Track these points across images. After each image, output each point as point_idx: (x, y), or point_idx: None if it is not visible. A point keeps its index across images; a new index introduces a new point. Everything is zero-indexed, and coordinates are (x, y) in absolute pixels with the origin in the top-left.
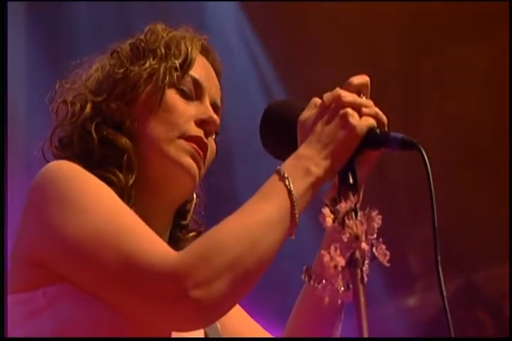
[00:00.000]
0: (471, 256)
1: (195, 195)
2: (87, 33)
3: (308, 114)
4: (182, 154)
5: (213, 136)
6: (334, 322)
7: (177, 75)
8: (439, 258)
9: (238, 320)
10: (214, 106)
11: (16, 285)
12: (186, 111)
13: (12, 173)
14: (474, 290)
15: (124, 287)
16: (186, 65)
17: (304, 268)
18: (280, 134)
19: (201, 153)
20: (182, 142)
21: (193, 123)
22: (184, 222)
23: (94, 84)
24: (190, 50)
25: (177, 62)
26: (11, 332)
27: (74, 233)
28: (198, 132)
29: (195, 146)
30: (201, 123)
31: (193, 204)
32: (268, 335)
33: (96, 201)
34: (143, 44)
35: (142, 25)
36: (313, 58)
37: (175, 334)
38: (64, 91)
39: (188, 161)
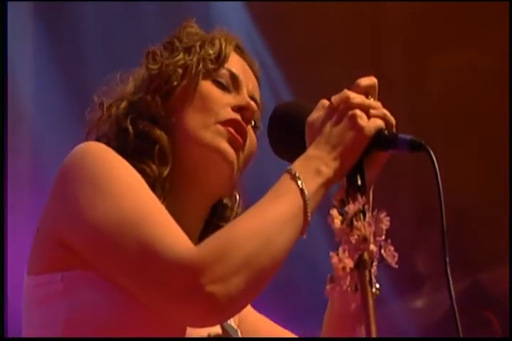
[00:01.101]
0: (478, 256)
1: (238, 196)
2: (94, 32)
3: (316, 115)
4: (218, 139)
5: (252, 124)
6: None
7: (212, 68)
8: (447, 259)
9: (253, 317)
10: (252, 99)
11: (35, 267)
12: (223, 99)
13: (17, 173)
14: (481, 290)
15: (140, 275)
16: (221, 58)
17: (328, 276)
18: (288, 136)
19: (239, 139)
20: (218, 127)
21: (229, 109)
22: (224, 224)
23: (132, 88)
24: (224, 45)
25: (212, 54)
26: (25, 314)
27: (99, 216)
28: (235, 115)
29: (231, 130)
30: (238, 109)
31: (237, 204)
32: (286, 332)
33: (123, 186)
34: (177, 42)
35: (148, 25)
36: (318, 58)
37: (190, 328)
38: (102, 101)
39: (225, 146)
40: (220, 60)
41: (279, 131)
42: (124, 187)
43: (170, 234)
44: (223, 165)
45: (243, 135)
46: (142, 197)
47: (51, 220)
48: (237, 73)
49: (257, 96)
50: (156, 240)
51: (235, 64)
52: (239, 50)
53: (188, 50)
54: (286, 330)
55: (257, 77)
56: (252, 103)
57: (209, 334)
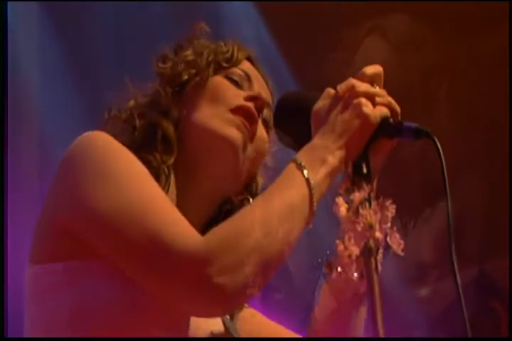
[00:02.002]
0: (483, 246)
1: (250, 200)
2: (101, 28)
3: (322, 104)
4: (227, 126)
5: (262, 117)
6: (354, 319)
7: (224, 60)
8: (453, 246)
9: (256, 318)
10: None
11: (36, 255)
12: (235, 91)
13: (20, 172)
14: (487, 280)
15: (147, 265)
16: (232, 61)
17: (325, 261)
18: (294, 124)
19: (248, 126)
20: (229, 115)
21: (241, 98)
22: None
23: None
24: (236, 51)
25: (224, 51)
26: (28, 304)
27: (105, 204)
28: (247, 103)
29: (242, 119)
30: (250, 99)
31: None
32: (290, 333)
33: (128, 174)
34: (189, 46)
35: (155, 20)
36: (325, 54)
37: (195, 318)
38: (111, 109)
39: (233, 132)
40: (231, 61)
41: (284, 120)
42: (129, 176)
43: (177, 223)
44: (228, 150)
45: (253, 123)
46: (147, 186)
47: (55, 208)
48: (249, 73)
49: (269, 101)
50: (163, 229)
51: (249, 68)
52: (253, 60)
53: (198, 50)
54: (291, 332)
55: (271, 94)
56: (264, 94)
57: (212, 332)
